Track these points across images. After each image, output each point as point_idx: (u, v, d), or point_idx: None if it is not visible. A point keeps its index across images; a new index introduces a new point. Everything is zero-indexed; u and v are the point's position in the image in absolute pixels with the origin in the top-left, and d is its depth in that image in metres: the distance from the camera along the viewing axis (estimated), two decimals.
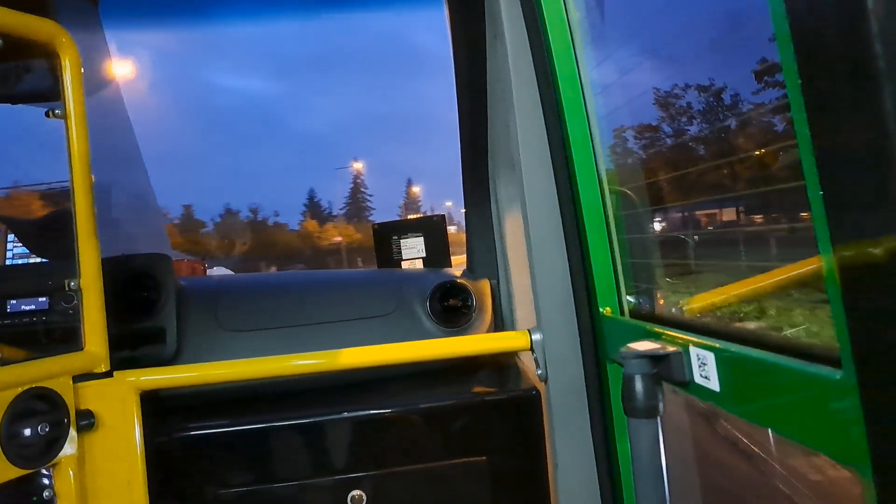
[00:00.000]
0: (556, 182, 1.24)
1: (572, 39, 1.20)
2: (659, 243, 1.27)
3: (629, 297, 1.19)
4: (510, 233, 1.72)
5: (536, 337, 1.29)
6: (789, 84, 0.58)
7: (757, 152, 0.88)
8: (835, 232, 0.54)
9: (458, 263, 2.06)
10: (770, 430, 0.88)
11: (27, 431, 0.99)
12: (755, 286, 0.94)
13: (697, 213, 1.34)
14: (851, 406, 0.55)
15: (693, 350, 0.85)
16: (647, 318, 1.14)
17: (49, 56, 1.15)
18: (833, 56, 0.52)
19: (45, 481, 1.05)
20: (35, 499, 1.04)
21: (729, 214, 1.25)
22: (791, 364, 0.65)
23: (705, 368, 0.82)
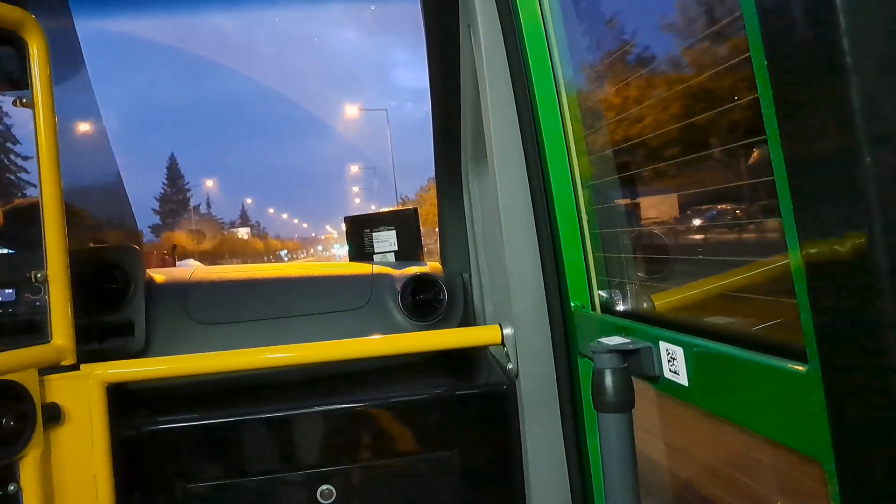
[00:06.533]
0: (528, 176, 1.23)
1: (546, 30, 1.19)
2: (631, 238, 1.27)
3: (601, 292, 1.19)
4: (483, 226, 1.71)
5: (508, 331, 1.29)
6: (760, 81, 0.58)
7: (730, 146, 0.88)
8: (802, 228, 0.55)
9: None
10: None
11: None
12: (725, 282, 0.95)
13: (669, 209, 1.34)
14: (816, 399, 0.55)
15: (663, 345, 0.85)
16: (619, 314, 1.14)
17: (16, 43, 1.12)
18: (802, 53, 0.52)
19: (10, 475, 1.03)
20: (0, 493, 1.01)
21: (699, 212, 1.25)
22: (758, 358, 0.66)
23: (675, 363, 0.83)
